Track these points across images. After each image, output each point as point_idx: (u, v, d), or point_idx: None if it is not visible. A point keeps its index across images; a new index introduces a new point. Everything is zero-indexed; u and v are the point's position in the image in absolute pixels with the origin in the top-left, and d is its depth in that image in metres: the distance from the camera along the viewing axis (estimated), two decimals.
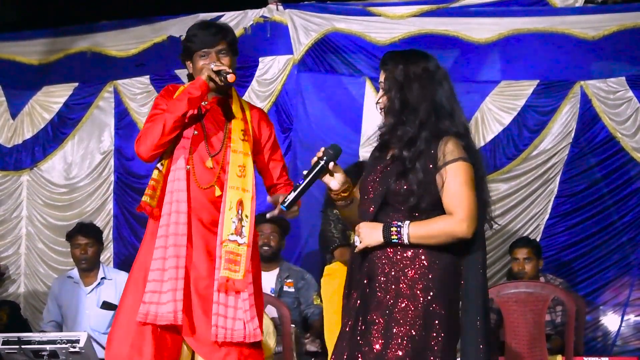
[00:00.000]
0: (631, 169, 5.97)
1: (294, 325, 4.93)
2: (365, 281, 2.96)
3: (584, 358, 4.90)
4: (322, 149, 2.97)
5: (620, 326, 5.88)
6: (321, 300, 5.56)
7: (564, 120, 6.06)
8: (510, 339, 4.76)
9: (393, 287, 2.89)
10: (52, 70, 6.89)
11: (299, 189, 2.97)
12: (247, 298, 3.32)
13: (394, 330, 2.85)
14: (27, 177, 6.95)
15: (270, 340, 4.54)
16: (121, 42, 6.74)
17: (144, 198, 3.38)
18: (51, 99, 6.94)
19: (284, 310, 4.83)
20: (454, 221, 2.86)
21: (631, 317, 5.91)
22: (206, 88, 3.34)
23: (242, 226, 3.32)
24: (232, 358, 3.30)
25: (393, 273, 2.90)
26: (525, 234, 6.00)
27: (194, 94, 3.32)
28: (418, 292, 2.87)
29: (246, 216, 3.33)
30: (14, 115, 6.98)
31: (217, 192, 3.36)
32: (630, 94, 5.95)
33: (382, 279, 2.92)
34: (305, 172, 2.98)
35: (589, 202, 6.01)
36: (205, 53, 3.41)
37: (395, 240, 2.87)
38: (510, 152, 6.12)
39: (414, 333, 2.85)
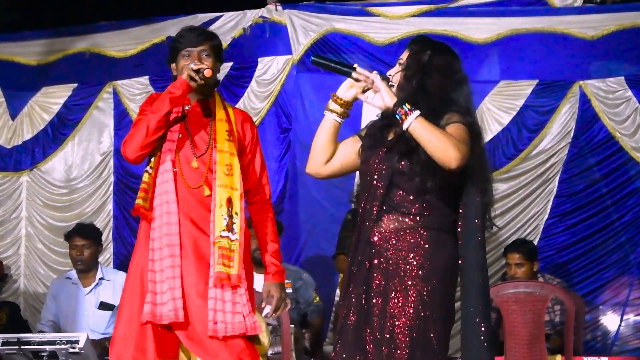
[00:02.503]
0: (630, 169, 5.97)
1: (293, 326, 4.94)
2: (366, 266, 2.96)
3: (584, 358, 4.90)
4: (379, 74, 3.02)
5: (620, 326, 5.88)
6: (320, 298, 5.58)
7: (563, 120, 6.06)
8: (509, 338, 4.76)
9: (395, 276, 2.91)
10: (51, 71, 6.89)
11: (334, 62, 3.13)
12: (244, 293, 3.39)
13: (395, 321, 2.88)
14: (27, 178, 6.95)
15: (264, 339, 4.55)
16: (120, 43, 6.74)
17: (138, 201, 3.44)
18: (50, 100, 6.94)
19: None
20: (454, 145, 2.81)
21: (630, 317, 5.91)
22: (187, 87, 3.39)
23: (233, 223, 3.38)
24: (226, 354, 3.33)
25: (395, 261, 2.92)
26: (524, 234, 6.00)
27: (175, 93, 3.38)
28: (419, 280, 2.89)
29: (236, 213, 3.40)
30: (13, 116, 6.99)
31: (206, 192, 3.41)
32: (630, 93, 5.94)
33: (383, 267, 2.93)
34: (355, 65, 3.07)
35: (588, 202, 6.01)
36: (188, 52, 3.47)
37: (397, 116, 2.87)
38: (510, 152, 6.12)
39: (412, 324, 2.87)
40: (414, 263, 2.91)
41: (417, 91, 2.95)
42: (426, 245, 2.92)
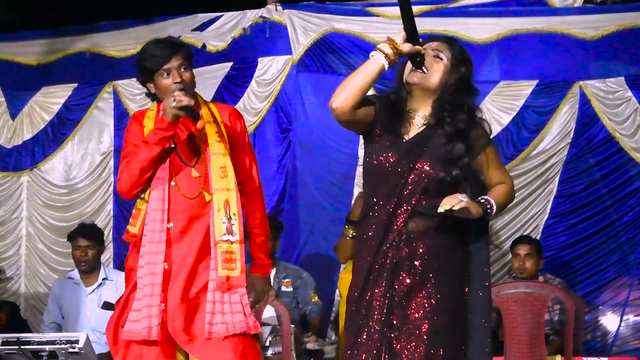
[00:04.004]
0: (630, 169, 5.97)
1: (293, 325, 4.94)
2: (387, 267, 2.94)
3: (583, 358, 4.90)
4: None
5: (620, 326, 5.89)
6: (319, 298, 5.58)
7: (563, 121, 6.06)
8: (509, 338, 4.76)
9: (419, 278, 2.92)
10: (51, 71, 6.89)
11: (411, 13, 3.06)
12: (244, 293, 3.43)
13: (418, 322, 2.90)
14: (27, 177, 6.96)
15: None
16: (120, 43, 6.73)
17: (128, 227, 3.47)
18: (50, 100, 6.95)
19: (283, 310, 4.83)
20: (511, 188, 3.05)
21: (630, 317, 5.91)
22: (173, 127, 3.32)
23: (232, 224, 3.41)
24: (230, 353, 3.36)
25: (418, 262, 2.92)
26: (524, 234, 6.00)
27: (164, 134, 3.31)
28: (440, 281, 2.92)
29: (234, 214, 3.42)
30: (13, 116, 6.99)
31: (207, 197, 3.42)
32: (629, 94, 5.94)
33: (406, 268, 2.93)
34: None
35: (588, 202, 6.01)
36: (166, 71, 3.38)
37: (489, 211, 2.93)
38: (510, 152, 6.12)
39: (436, 323, 2.90)
40: (436, 265, 2.92)
41: (451, 86, 2.99)
42: (448, 247, 2.94)
